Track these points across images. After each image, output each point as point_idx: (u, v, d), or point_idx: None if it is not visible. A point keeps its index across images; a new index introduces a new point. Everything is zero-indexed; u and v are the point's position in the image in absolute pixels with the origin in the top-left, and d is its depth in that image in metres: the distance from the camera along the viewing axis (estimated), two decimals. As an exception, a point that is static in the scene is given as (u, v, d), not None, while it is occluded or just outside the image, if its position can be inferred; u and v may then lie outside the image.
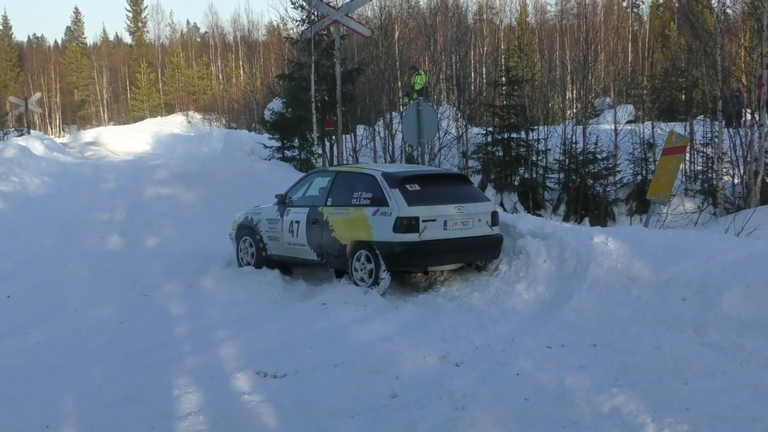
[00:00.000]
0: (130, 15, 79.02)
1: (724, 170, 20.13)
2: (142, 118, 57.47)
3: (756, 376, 6.03)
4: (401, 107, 24.80)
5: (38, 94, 49.85)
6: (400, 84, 26.52)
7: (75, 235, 14.61)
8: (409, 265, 9.80)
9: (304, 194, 11.03)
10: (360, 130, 25.71)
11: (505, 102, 23.45)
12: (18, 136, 35.23)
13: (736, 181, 19.69)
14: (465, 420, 5.41)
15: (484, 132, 23.64)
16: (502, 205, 20.45)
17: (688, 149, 20.09)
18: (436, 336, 7.68)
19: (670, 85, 29.27)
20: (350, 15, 18.43)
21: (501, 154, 22.75)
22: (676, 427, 5.05)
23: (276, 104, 24.33)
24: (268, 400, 6.09)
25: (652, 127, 23.43)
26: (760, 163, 17.98)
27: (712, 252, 8.55)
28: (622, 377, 6.20)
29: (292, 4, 22.41)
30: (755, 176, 17.98)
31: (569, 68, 30.75)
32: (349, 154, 23.75)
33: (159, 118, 56.17)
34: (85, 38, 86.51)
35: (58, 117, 67.74)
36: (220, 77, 66.74)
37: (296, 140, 21.21)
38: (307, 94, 20.25)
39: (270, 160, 20.88)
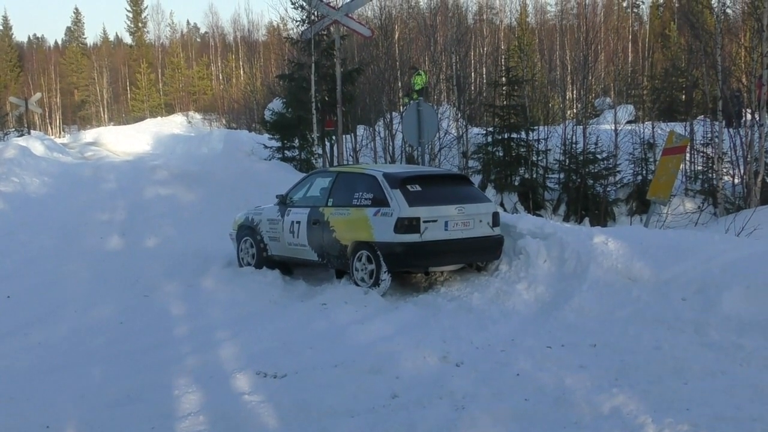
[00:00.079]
0: (130, 15, 79.10)
1: (725, 170, 20.14)
2: (142, 119, 57.48)
3: (756, 376, 6.03)
4: (401, 107, 24.80)
5: (38, 95, 49.88)
6: (400, 84, 26.52)
7: (75, 236, 14.61)
8: (409, 266, 9.79)
9: (305, 195, 11.02)
10: (360, 130, 25.73)
11: (505, 102, 23.47)
12: (18, 136, 35.28)
13: (736, 181, 19.70)
14: (465, 420, 5.41)
15: (485, 132, 23.66)
16: (502, 205, 20.45)
17: (688, 149, 20.10)
18: (437, 336, 7.68)
19: (671, 85, 29.30)
20: (350, 15, 18.44)
21: (501, 154, 22.76)
22: (676, 427, 5.05)
23: (276, 104, 24.34)
24: (268, 401, 6.09)
25: (653, 127, 23.44)
26: (760, 163, 17.98)
27: (712, 252, 8.55)
28: (622, 377, 6.20)
29: (292, 4, 22.46)
30: (755, 176, 17.98)
31: (569, 68, 30.77)
32: (350, 155, 23.76)
33: (159, 118, 56.17)
34: (85, 38, 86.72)
35: (58, 117, 67.76)
36: (221, 77, 66.77)
37: (296, 140, 21.25)
38: (307, 94, 20.26)
39: (270, 160, 20.91)
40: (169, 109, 63.97)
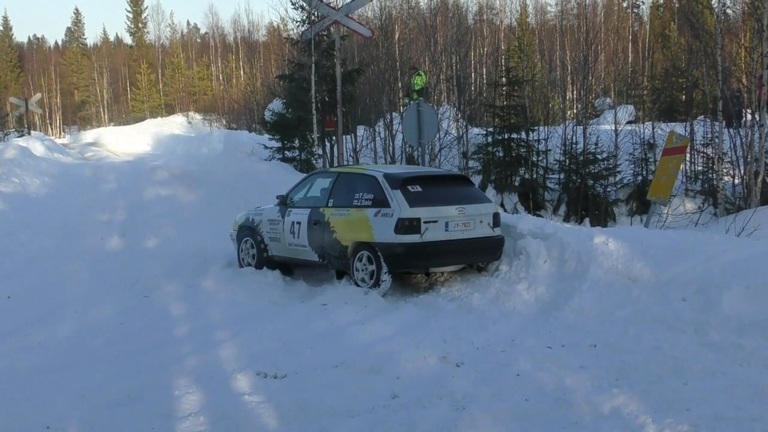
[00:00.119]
0: (131, 16, 79.14)
1: (725, 170, 20.14)
2: (142, 119, 57.51)
3: (756, 376, 6.03)
4: (401, 108, 24.81)
5: (38, 95, 49.89)
6: (400, 84, 26.53)
7: (75, 236, 14.61)
8: (410, 266, 9.79)
9: (305, 195, 11.02)
10: (360, 130, 25.73)
11: (505, 102, 23.47)
12: (18, 136, 35.32)
13: (736, 181, 19.71)
14: (465, 420, 5.41)
15: (485, 132, 23.66)
16: (502, 205, 20.46)
17: (688, 150, 20.10)
18: (437, 336, 7.68)
19: (671, 86, 29.33)
20: (350, 15, 18.43)
21: (501, 154, 22.76)
22: (676, 427, 5.05)
23: (276, 105, 24.33)
24: (269, 401, 6.09)
25: (653, 128, 23.45)
26: (760, 163, 17.98)
27: (712, 252, 8.54)
28: (622, 377, 6.20)
29: (293, 4, 22.47)
30: (755, 176, 17.98)
31: (569, 69, 30.76)
32: (350, 155, 23.75)
33: (159, 118, 56.19)
34: (85, 39, 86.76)
35: (58, 118, 67.77)
36: (221, 78, 66.77)
37: (296, 141, 21.24)
38: (307, 94, 20.26)
39: (270, 160, 20.90)
40: (170, 110, 63.96)
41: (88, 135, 47.20)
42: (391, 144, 24.31)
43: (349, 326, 8.30)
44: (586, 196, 21.58)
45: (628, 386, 5.94)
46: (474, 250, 9.67)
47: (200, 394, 6.42)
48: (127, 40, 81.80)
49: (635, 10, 61.28)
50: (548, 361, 6.67)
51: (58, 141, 43.27)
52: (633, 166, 22.74)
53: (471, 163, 23.72)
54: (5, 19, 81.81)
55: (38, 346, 8.35)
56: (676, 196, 19.11)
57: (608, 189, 22.04)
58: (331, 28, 19.41)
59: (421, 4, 45.01)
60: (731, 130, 19.95)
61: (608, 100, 34.50)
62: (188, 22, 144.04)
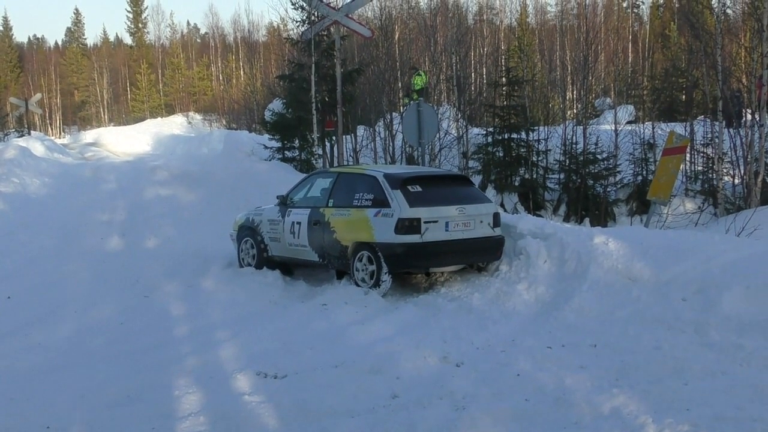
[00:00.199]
0: (131, 16, 79.18)
1: (725, 170, 20.14)
2: (142, 119, 57.52)
3: (756, 376, 6.03)
4: (401, 108, 24.80)
5: (38, 95, 49.88)
6: (400, 84, 26.53)
7: (75, 236, 14.61)
8: (410, 267, 9.79)
9: (305, 195, 11.03)
10: (360, 130, 25.73)
11: (505, 102, 23.47)
12: (18, 137, 35.32)
13: (736, 181, 19.71)
14: (465, 420, 5.41)
15: (485, 132, 23.65)
16: (502, 205, 20.46)
17: (688, 149, 20.10)
18: (437, 336, 7.68)
19: (671, 86, 29.33)
20: (350, 16, 18.43)
21: (501, 154, 22.76)
22: (676, 427, 5.05)
23: (276, 105, 24.33)
24: (269, 401, 6.09)
25: (653, 128, 23.45)
26: (760, 163, 17.98)
27: (712, 252, 8.54)
28: (622, 378, 6.20)
29: (293, 4, 22.46)
30: (755, 176, 17.98)
31: (569, 69, 30.76)
32: (350, 155, 23.75)
33: (159, 118, 56.20)
34: (85, 39, 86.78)
35: (58, 118, 67.77)
36: (221, 78, 66.77)
37: (296, 141, 21.24)
38: (307, 94, 20.26)
39: (270, 160, 20.90)
40: (170, 110, 63.97)
41: (88, 135, 47.20)
42: (391, 144, 24.31)
43: (349, 326, 8.30)
44: (586, 196, 21.58)
45: (628, 386, 5.94)
46: (474, 250, 9.67)
47: (200, 394, 6.42)
48: (127, 40, 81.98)
49: (635, 10, 61.32)
50: (548, 361, 6.67)
51: (58, 141, 43.26)
52: (633, 166, 22.74)
53: (471, 163, 23.72)
54: (5, 19, 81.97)
55: (38, 346, 8.35)
56: (676, 196, 19.11)
57: (608, 189, 22.04)
58: (331, 28, 19.40)
59: (421, 4, 45.07)
60: (731, 130, 19.94)
61: (608, 100, 34.50)
62: (188, 22, 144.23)
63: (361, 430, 5.48)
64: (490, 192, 21.30)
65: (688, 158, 21.58)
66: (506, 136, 22.64)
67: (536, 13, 63.72)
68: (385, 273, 9.47)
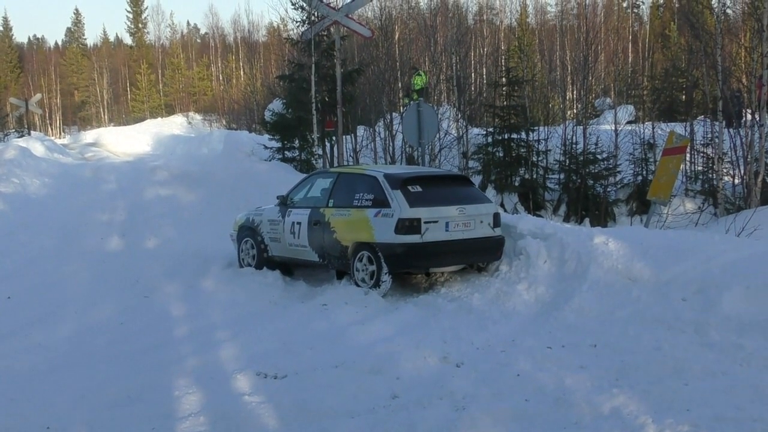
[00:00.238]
0: (131, 16, 79.19)
1: (725, 170, 20.14)
2: (142, 119, 57.51)
3: (756, 376, 6.03)
4: (401, 108, 24.80)
5: (38, 96, 49.88)
6: (400, 85, 26.54)
7: (75, 236, 14.61)
8: (410, 267, 9.79)
9: (305, 195, 11.03)
10: (360, 130, 25.73)
11: (505, 102, 23.47)
12: (18, 137, 35.31)
13: (736, 181, 19.71)
14: (465, 420, 5.41)
15: (485, 133, 23.66)
16: (502, 205, 20.46)
17: (688, 150, 20.10)
18: (437, 337, 7.68)
19: (671, 86, 29.33)
20: (350, 16, 18.43)
21: (501, 154, 22.76)
22: (676, 427, 5.05)
23: (276, 105, 24.33)
24: (269, 401, 6.09)
25: (653, 128, 23.45)
26: (760, 163, 17.98)
27: (712, 252, 8.54)
28: (622, 378, 6.20)
29: (293, 5, 22.47)
30: (756, 176, 17.98)
31: (569, 69, 30.77)
32: (350, 155, 23.75)
33: (159, 119, 56.19)
34: (85, 39, 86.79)
35: (58, 118, 67.77)
36: (221, 78, 66.77)
37: (296, 141, 21.24)
38: (307, 94, 20.26)
39: (270, 161, 20.90)
40: (170, 110, 63.97)
41: (88, 135, 47.20)
42: (391, 144, 24.32)
43: (350, 326, 8.30)
44: (586, 196, 21.58)
45: (628, 386, 5.94)
46: (474, 251, 9.67)
47: (200, 394, 6.42)
48: (127, 40, 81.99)
49: (635, 10, 61.30)
50: (548, 362, 6.67)
51: (58, 141, 43.25)
52: (633, 166, 22.75)
53: (471, 164, 23.72)
54: (5, 19, 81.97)
55: (38, 347, 8.35)
56: (676, 196, 19.11)
57: (608, 189, 22.04)
58: (331, 29, 19.40)
59: (421, 4, 45.08)
60: (731, 130, 19.95)
61: (608, 100, 34.51)
62: (188, 22, 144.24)
63: (361, 430, 5.49)
64: (490, 192, 21.30)
65: (688, 158, 21.58)
66: (506, 137, 22.64)
67: (536, 13, 63.77)
68: (386, 273, 9.47)
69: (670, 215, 17.90)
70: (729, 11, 27.46)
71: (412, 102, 18.73)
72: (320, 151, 21.80)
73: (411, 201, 9.40)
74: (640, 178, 22.30)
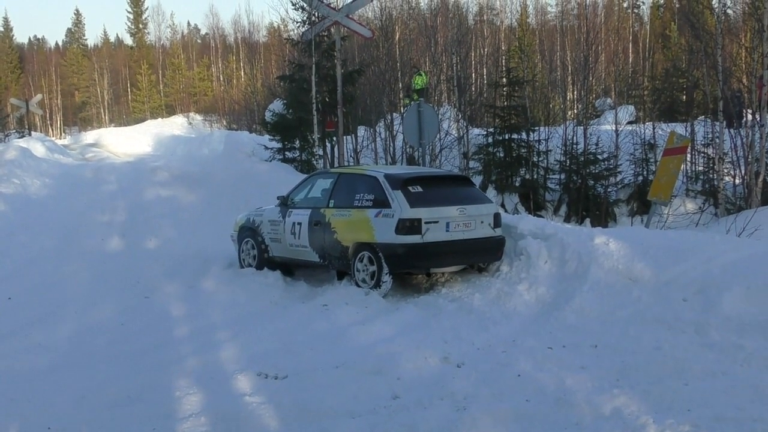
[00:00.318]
0: (131, 16, 79.24)
1: (725, 171, 20.11)
2: (142, 120, 57.48)
3: (757, 376, 6.04)
4: (402, 108, 24.80)
5: (39, 96, 49.85)
6: (400, 85, 26.52)
7: (75, 237, 14.62)
8: (411, 267, 9.79)
9: (306, 196, 11.03)
10: (361, 131, 25.71)
11: (505, 103, 23.44)
12: (19, 137, 35.29)
13: (737, 181, 19.69)
14: (466, 421, 5.41)
15: (485, 133, 23.62)
16: (503, 206, 20.44)
17: (689, 150, 20.09)
18: (437, 337, 7.68)
19: (671, 86, 29.32)
20: (351, 16, 18.42)
21: (502, 155, 22.73)
22: (677, 428, 5.05)
23: (277, 105, 24.29)
24: (269, 402, 6.09)
25: (653, 128, 23.41)
26: (761, 163, 17.96)
27: (712, 253, 8.55)
28: (623, 378, 6.20)
29: (293, 5, 22.43)
30: (756, 177, 17.96)
31: (570, 69, 30.75)
32: (350, 156, 23.75)
33: (160, 119, 56.16)
34: (85, 40, 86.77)
35: (59, 119, 67.74)
36: (221, 78, 66.74)
37: (297, 141, 21.23)
38: (307, 95, 20.24)
39: (271, 161, 20.90)
40: (170, 111, 63.95)
41: (89, 136, 47.16)
42: (391, 145, 24.30)
43: (350, 327, 8.30)
44: (587, 196, 21.56)
45: (629, 387, 5.95)
46: (475, 251, 9.67)
47: (201, 394, 6.42)
48: (128, 40, 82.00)
49: (635, 11, 61.26)
50: (549, 362, 6.67)
51: (59, 142, 43.22)
52: (634, 166, 22.72)
53: (471, 164, 23.70)
54: (6, 20, 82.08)
55: (39, 347, 8.35)
56: (676, 197, 19.09)
57: (609, 189, 22.01)
58: (332, 29, 19.39)
59: (422, 4, 45.13)
60: (732, 130, 19.92)
61: (609, 100, 34.49)
62: (189, 22, 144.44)
63: (361, 430, 5.49)
64: (491, 192, 21.28)
65: (688, 158, 21.56)
66: (507, 137, 22.60)
67: (536, 14, 63.72)
68: (386, 273, 9.48)
69: (671, 215, 17.89)
70: (729, 11, 27.50)
71: (412, 102, 18.72)
72: (321, 152, 21.77)
73: (411, 201, 9.40)
74: (640, 178, 22.27)
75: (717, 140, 20.42)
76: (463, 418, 5.48)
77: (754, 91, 18.21)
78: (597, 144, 22.31)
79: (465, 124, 25.05)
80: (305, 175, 13.69)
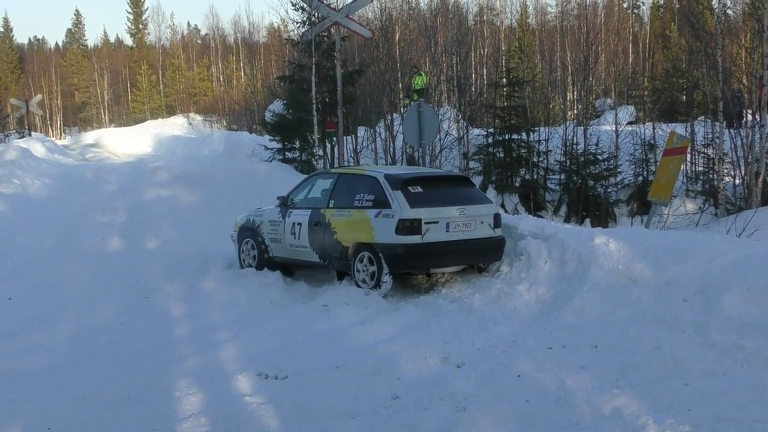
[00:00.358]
0: (131, 17, 79.20)
1: (725, 171, 20.12)
2: (142, 120, 57.47)
3: (757, 377, 6.03)
4: (402, 109, 24.80)
5: (39, 96, 49.85)
6: (401, 85, 26.51)
7: (75, 237, 14.62)
8: (411, 267, 9.79)
9: (306, 196, 11.03)
10: (361, 131, 25.71)
11: (505, 103, 23.45)
12: (19, 138, 35.29)
13: (737, 181, 19.69)
14: (466, 421, 5.41)
15: (485, 133, 23.63)
16: (503, 206, 20.44)
17: (689, 150, 20.09)
18: (437, 337, 7.68)
19: (671, 86, 29.33)
20: (351, 16, 18.42)
21: (502, 155, 22.74)
22: (677, 428, 5.05)
23: (277, 106, 24.29)
24: (269, 402, 6.09)
25: (653, 128, 23.42)
26: (761, 163, 17.97)
27: (712, 253, 8.55)
28: (623, 378, 6.20)
29: (293, 5, 22.44)
30: (756, 177, 17.97)
31: (570, 69, 30.76)
32: (350, 156, 23.74)
33: (160, 119, 56.15)
34: (85, 40, 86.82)
35: (59, 119, 67.72)
36: (221, 79, 66.71)
37: (297, 142, 21.22)
38: (307, 95, 20.24)
39: (271, 161, 20.89)
40: (170, 111, 63.93)
41: (89, 136, 47.16)
42: (391, 145, 24.30)
43: (350, 327, 8.30)
44: (587, 196, 21.56)
45: (629, 387, 5.94)
46: (475, 251, 9.67)
47: (201, 395, 6.42)
48: (128, 41, 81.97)
49: (635, 11, 61.26)
50: (549, 362, 6.67)
51: (59, 142, 43.22)
52: (634, 166, 22.72)
53: (471, 164, 23.70)
54: (6, 20, 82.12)
55: (39, 347, 8.36)
56: (676, 197, 19.09)
57: (609, 190, 22.01)
58: (332, 29, 19.38)
59: (422, 4, 45.10)
60: (732, 130, 19.93)
61: (609, 100, 34.50)
62: (189, 23, 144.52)
63: (361, 430, 5.48)
64: (491, 193, 21.28)
65: (688, 159, 21.56)
66: (507, 137, 22.61)
67: (536, 14, 63.65)
68: (386, 274, 9.47)
69: (671, 216, 17.89)
70: (729, 12, 27.49)
71: (412, 103, 18.73)
72: (321, 152, 21.77)
73: (411, 201, 9.40)
74: (640, 178, 22.28)
75: (717, 140, 20.42)
76: (463, 418, 5.48)
77: (754, 92, 18.22)
78: (597, 144, 22.31)
79: (465, 124, 25.06)
80: (305, 176, 13.69)
